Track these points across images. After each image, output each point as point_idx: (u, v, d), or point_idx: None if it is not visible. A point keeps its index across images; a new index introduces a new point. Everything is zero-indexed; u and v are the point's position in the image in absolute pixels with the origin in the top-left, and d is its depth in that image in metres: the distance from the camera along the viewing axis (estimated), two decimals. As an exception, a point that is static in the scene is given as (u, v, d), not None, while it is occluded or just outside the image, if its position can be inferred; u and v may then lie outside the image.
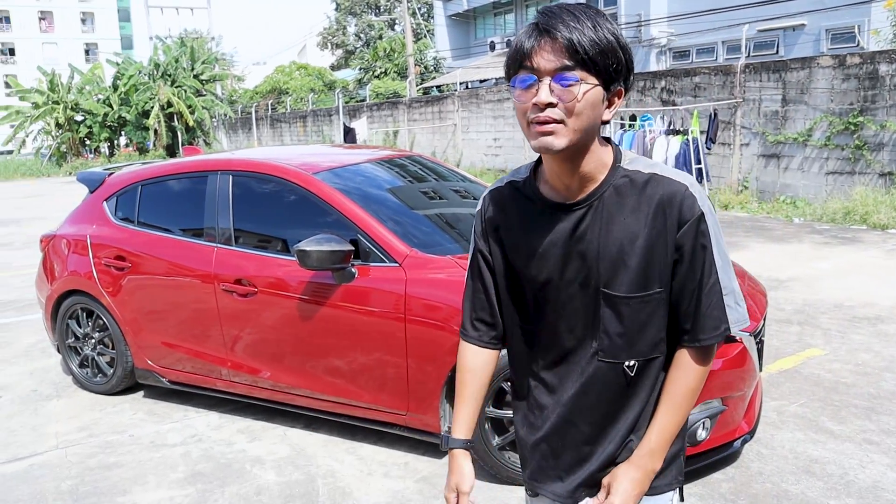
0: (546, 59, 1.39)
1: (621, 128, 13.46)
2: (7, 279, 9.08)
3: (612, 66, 1.40)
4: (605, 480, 1.57)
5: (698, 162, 11.82)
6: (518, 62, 1.43)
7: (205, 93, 34.69)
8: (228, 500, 3.49)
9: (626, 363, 1.54)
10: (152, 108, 32.40)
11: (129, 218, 4.69)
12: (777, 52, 19.41)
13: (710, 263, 1.49)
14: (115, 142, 35.64)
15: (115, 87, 33.75)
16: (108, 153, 34.76)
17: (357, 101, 32.57)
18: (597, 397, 1.57)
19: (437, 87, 30.63)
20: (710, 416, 3.26)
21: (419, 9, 43.08)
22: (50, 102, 32.60)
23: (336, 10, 52.55)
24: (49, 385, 5.17)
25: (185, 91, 33.25)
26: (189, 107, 32.91)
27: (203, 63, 35.05)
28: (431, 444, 3.79)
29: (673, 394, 1.54)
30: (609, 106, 1.46)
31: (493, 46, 28.68)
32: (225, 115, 37.01)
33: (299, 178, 4.03)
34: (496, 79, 24.60)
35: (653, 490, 1.58)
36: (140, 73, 33.78)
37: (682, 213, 1.46)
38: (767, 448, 3.73)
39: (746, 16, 17.66)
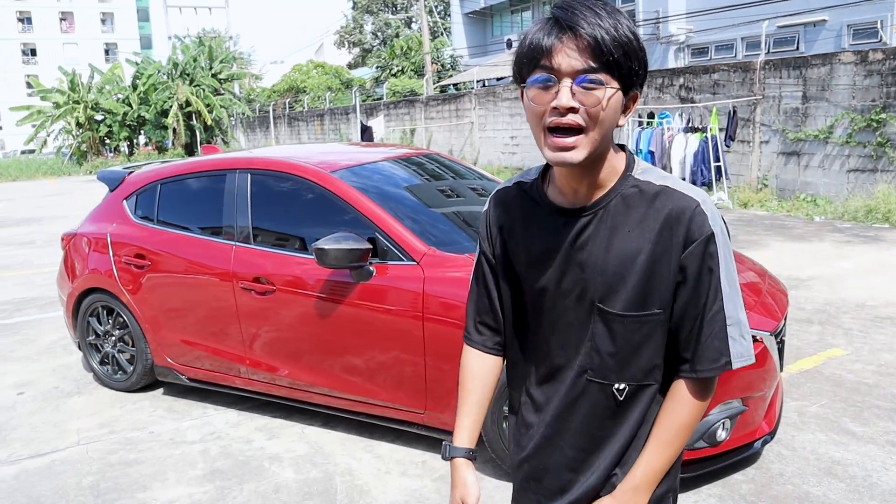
0: (569, 58, 1.27)
1: (639, 125, 13.40)
2: (29, 277, 9.19)
3: (634, 69, 1.31)
4: None
5: (717, 160, 11.74)
6: (534, 60, 1.31)
7: (223, 92, 34.90)
8: (247, 497, 3.51)
9: (616, 386, 1.44)
10: (171, 107, 32.64)
11: (149, 216, 4.72)
12: (797, 48, 19.21)
13: (716, 289, 1.37)
14: (135, 141, 35.95)
15: (135, 87, 34.03)
16: (127, 152, 35.07)
17: (374, 100, 32.62)
18: (582, 419, 1.47)
19: (454, 85, 30.62)
20: (730, 417, 3.23)
21: (436, 7, 43.07)
22: (70, 102, 32.94)
23: (353, 8, 52.64)
24: (70, 382, 5.23)
25: (204, 90, 33.47)
26: (207, 106, 33.12)
27: (221, 62, 35.26)
28: (449, 443, 3.78)
29: (664, 428, 1.43)
30: (625, 111, 1.37)
31: (509, 44, 28.64)
32: (243, 114, 37.20)
33: (317, 176, 4.04)
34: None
35: None
36: (159, 72, 34.04)
37: (691, 231, 1.36)
38: (788, 449, 3.69)
39: (766, 12, 17.52)
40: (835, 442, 3.75)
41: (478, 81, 25.27)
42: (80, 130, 33.46)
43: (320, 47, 64.62)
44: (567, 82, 1.28)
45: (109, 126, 33.85)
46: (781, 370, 3.66)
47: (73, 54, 62.44)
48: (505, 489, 3.41)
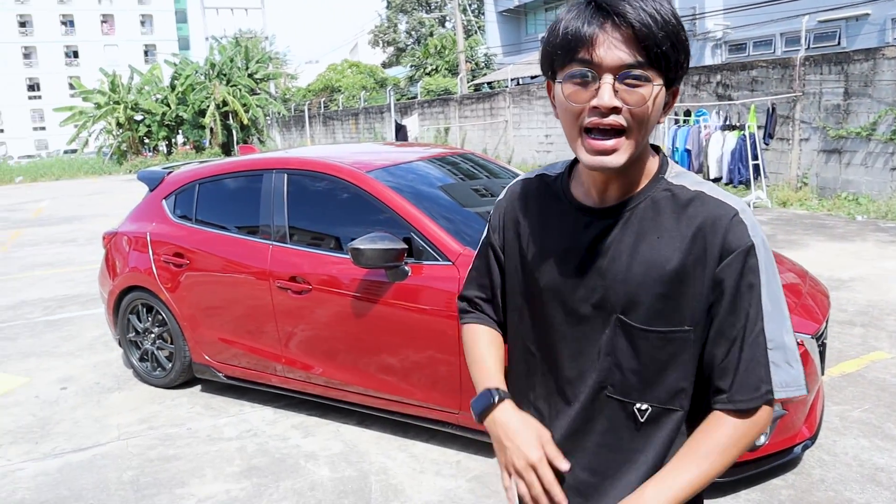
0: (613, 50, 1.13)
1: (675, 123, 13.23)
2: (72, 274, 9.39)
3: (680, 62, 1.18)
4: None
5: (755, 158, 11.54)
6: (571, 52, 1.16)
7: (259, 91, 35.29)
8: (283, 494, 3.55)
9: (638, 405, 1.29)
10: (208, 107, 33.10)
11: (188, 215, 4.79)
12: (839, 43, 18.81)
13: (757, 308, 1.21)
14: (173, 140, 36.53)
15: (173, 87, 34.58)
16: (166, 151, 35.65)
17: (408, 99, 32.73)
18: (599, 438, 1.33)
19: (489, 83, 30.57)
20: (771, 421, 3.17)
21: (470, 5, 43.04)
22: (111, 103, 33.58)
23: (387, 7, 52.85)
24: (111, 378, 5.33)
25: (240, 90, 33.88)
26: (244, 105, 33.52)
27: (257, 62, 35.66)
28: (483, 444, 3.78)
29: (697, 443, 1.24)
30: (666, 109, 1.23)
31: (544, 42, 28.44)
32: (278, 114, 37.60)
33: (353, 176, 4.06)
34: (547, 75, 24.39)
35: None
36: (196, 72, 34.54)
37: (728, 241, 1.20)
38: (830, 455, 3.62)
39: (806, 6, 17.17)
40: (878, 448, 3.66)
41: (512, 80, 25.20)
42: (121, 130, 34.09)
43: (355, 47, 65.01)
44: (608, 78, 1.14)
45: (148, 126, 34.44)
46: (823, 374, 3.59)
47: (113, 56, 63.73)
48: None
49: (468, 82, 30.01)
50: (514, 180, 1.52)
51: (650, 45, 1.12)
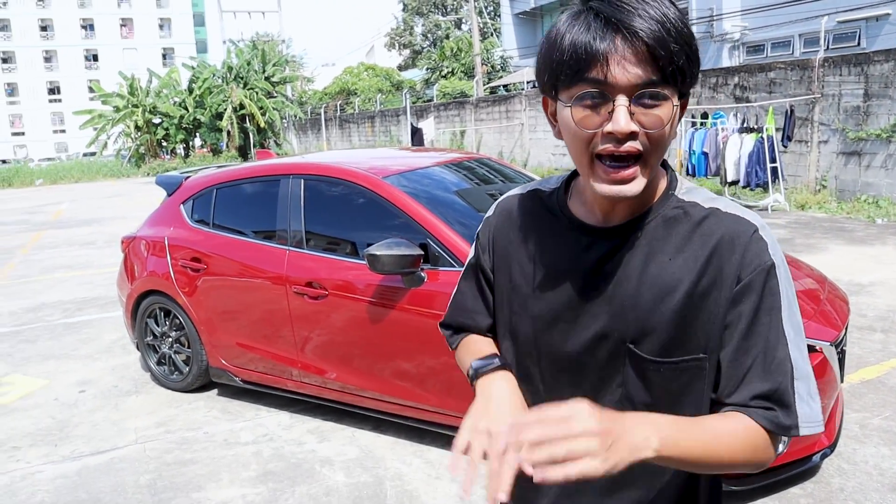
0: (627, 68, 1.01)
1: (692, 126, 13.16)
2: (91, 277, 9.48)
3: (695, 73, 1.08)
4: None
5: (773, 161, 11.46)
6: (580, 71, 1.04)
7: (275, 94, 35.48)
8: (298, 499, 3.56)
9: None
10: (225, 110, 33.31)
11: (205, 220, 4.82)
12: (858, 43, 18.61)
13: (778, 334, 1.10)
14: (190, 143, 36.80)
15: (191, 90, 34.83)
16: (183, 154, 35.92)
17: (424, 102, 32.77)
18: (609, 478, 1.12)
19: (504, 86, 30.54)
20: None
21: (486, 7, 43.06)
22: (130, 106, 33.88)
23: (403, 10, 53.00)
24: (129, 381, 5.37)
25: (257, 93, 34.07)
26: (260, 108, 33.71)
27: (274, 65, 35.84)
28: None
29: (706, 420, 1.11)
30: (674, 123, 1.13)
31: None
32: (295, 116, 37.78)
33: (369, 181, 4.07)
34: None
35: None
36: (214, 76, 34.78)
37: (746, 260, 1.10)
38: (849, 463, 3.58)
39: (825, 7, 17.01)
40: (899, 456, 3.62)
41: (528, 82, 25.18)
42: (139, 133, 34.39)
43: (371, 49, 65.23)
44: (623, 100, 1.03)
45: (166, 129, 34.72)
46: (842, 381, 3.55)
47: (132, 59, 64.33)
48: None
49: (484, 85, 30.00)
50: (504, 196, 1.39)
51: (665, 61, 1.02)
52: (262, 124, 33.82)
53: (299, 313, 4.18)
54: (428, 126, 21.42)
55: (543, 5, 32.57)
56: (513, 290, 1.30)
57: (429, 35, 51.12)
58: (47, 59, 67.26)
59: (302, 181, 4.36)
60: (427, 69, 38.62)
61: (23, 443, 4.39)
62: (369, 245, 3.65)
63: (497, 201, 1.39)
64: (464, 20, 46.03)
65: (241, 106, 33.50)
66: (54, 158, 55.36)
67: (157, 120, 34.81)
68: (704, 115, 13.40)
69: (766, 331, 1.10)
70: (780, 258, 1.13)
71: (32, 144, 65.51)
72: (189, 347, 4.89)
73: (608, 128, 1.04)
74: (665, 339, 1.14)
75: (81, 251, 11.80)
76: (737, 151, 11.82)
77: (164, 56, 68.61)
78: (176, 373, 5.04)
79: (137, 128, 34.13)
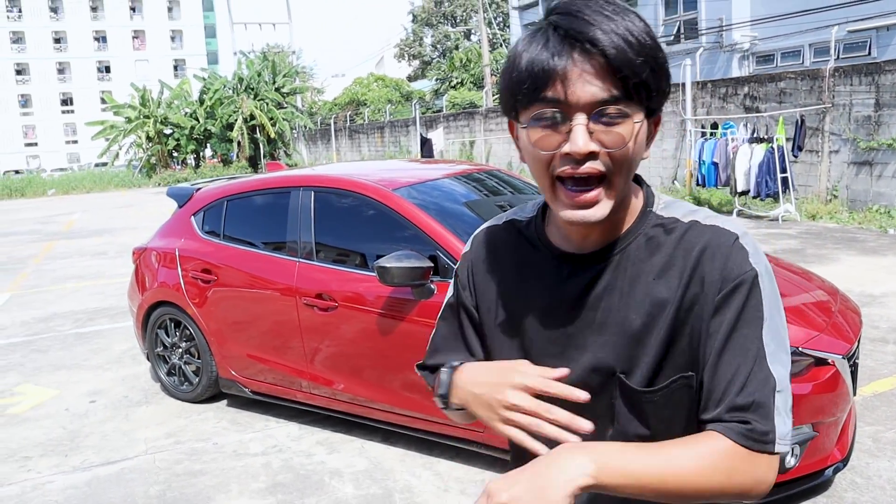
0: (584, 84, 0.96)
1: (702, 136, 13.14)
2: (102, 287, 9.53)
3: (662, 89, 1.03)
4: None
5: (784, 171, 11.42)
6: (536, 90, 0.99)
7: (286, 105, 35.68)
8: (308, 511, 3.55)
9: None
10: (236, 120, 33.52)
11: (216, 232, 4.84)
12: (869, 53, 18.53)
13: (759, 347, 1.04)
14: (201, 154, 37.03)
15: (202, 101, 35.09)
16: (194, 164, 36.14)
17: (434, 112, 32.86)
18: None
19: (513, 96, 30.55)
20: (800, 443, 3.12)
21: (495, 18, 43.19)
22: (141, 117, 34.16)
23: (413, 21, 53.23)
24: (139, 391, 5.39)
25: (267, 104, 34.28)
26: (271, 119, 33.90)
27: (284, 76, 36.07)
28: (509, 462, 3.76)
29: (667, 444, 1.03)
30: (649, 140, 1.08)
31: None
32: (305, 127, 37.94)
33: (379, 194, 4.08)
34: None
35: None
36: (224, 87, 35.02)
37: (728, 269, 1.05)
38: (862, 477, 3.55)
39: (836, 16, 16.96)
40: (913, 470, 3.58)
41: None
42: (150, 144, 34.64)
43: (381, 60, 65.50)
44: (581, 118, 0.98)
45: (177, 139, 34.96)
46: (854, 394, 3.52)
47: (144, 70, 64.81)
48: None
49: (493, 95, 30.06)
50: (479, 228, 1.33)
51: (627, 75, 0.97)
52: (273, 135, 34.01)
53: (309, 325, 4.19)
54: (437, 136, 21.47)
55: (552, 16, 32.61)
56: (498, 327, 1.25)
57: (438, 46, 51.31)
58: (60, 71, 67.86)
59: (312, 193, 4.37)
60: (436, 80, 38.81)
61: (34, 453, 4.41)
62: (379, 257, 3.66)
63: (473, 235, 1.34)
64: (473, 31, 46.20)
65: (252, 117, 33.70)
66: (67, 169, 55.80)
67: (168, 130, 35.07)
68: (714, 126, 13.39)
69: (746, 342, 1.04)
70: (764, 266, 1.07)
71: (45, 155, 66.01)
72: (199, 358, 4.90)
73: (566, 148, 1.00)
74: (654, 365, 1.09)
75: (93, 261, 11.87)
76: (747, 161, 11.79)
77: (175, 67, 69.11)
78: (186, 383, 5.06)
79: (149, 138, 34.38)
